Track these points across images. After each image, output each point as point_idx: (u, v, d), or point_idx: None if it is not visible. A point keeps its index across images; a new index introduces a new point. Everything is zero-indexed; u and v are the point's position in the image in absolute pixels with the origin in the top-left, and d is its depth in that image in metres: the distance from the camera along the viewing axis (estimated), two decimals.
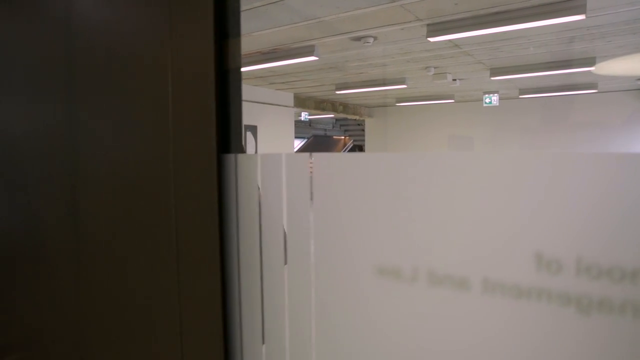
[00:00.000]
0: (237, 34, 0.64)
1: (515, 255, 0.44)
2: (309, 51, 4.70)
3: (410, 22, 3.85)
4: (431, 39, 4.03)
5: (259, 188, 0.59)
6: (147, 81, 0.70)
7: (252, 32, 4.24)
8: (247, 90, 7.59)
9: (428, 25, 3.90)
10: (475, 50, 4.99)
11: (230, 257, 0.64)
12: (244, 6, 3.50)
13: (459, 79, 6.78)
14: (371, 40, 4.43)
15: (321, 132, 19.05)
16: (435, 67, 5.92)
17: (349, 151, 16.12)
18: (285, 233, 0.58)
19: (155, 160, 0.70)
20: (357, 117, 11.23)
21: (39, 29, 0.89)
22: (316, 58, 4.72)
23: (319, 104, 9.33)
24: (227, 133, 0.63)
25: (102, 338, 0.84)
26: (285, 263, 0.58)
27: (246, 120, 7.54)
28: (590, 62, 5.51)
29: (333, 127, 19.33)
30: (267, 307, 0.62)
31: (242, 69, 2.97)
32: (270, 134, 7.95)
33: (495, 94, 8.24)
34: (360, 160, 0.53)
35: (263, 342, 0.62)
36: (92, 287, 0.84)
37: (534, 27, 3.71)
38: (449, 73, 6.28)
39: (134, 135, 0.74)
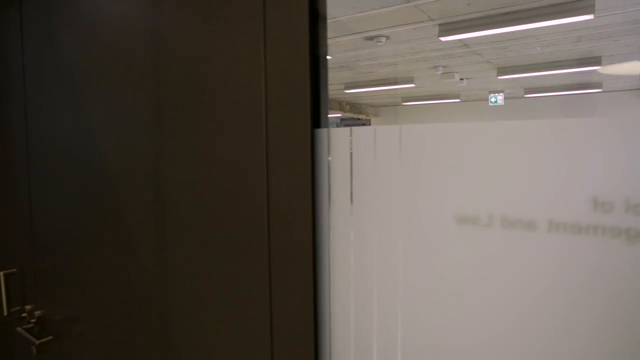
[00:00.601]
0: (325, 19, 0.75)
1: (575, 200, 0.56)
2: None
3: (423, 22, 3.97)
4: (443, 39, 4.15)
5: (351, 156, 0.71)
6: (244, 63, 0.82)
7: None
8: None
9: (440, 25, 4.02)
10: (483, 49, 5.11)
11: (322, 221, 0.76)
12: None
13: (466, 78, 6.90)
14: (384, 39, 4.55)
15: None
16: (443, 67, 6.04)
17: None
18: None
19: (250, 136, 0.82)
20: (363, 117, 11.35)
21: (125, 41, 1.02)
22: (329, 57, 4.84)
23: None
24: (318, 110, 0.75)
25: (184, 314, 0.96)
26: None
27: None
28: (597, 61, 5.62)
29: (337, 126, 19.48)
30: (355, 265, 0.74)
31: None
32: None
33: (501, 93, 8.35)
34: (442, 130, 0.65)
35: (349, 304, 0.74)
36: (175, 266, 0.97)
37: (542, 26, 3.83)
38: (457, 72, 6.40)
39: (229, 112, 0.86)
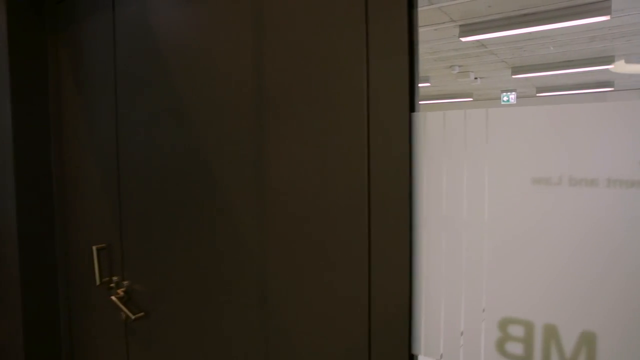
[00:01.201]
0: (417, 9, 0.93)
1: (627, 162, 0.74)
2: None
3: (444, 23, 4.15)
4: (463, 39, 4.33)
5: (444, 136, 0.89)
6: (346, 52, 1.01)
7: None
8: None
9: (461, 26, 4.20)
10: (500, 49, 5.27)
11: (418, 189, 0.94)
12: None
13: (480, 78, 7.06)
14: None
15: None
16: (460, 66, 6.21)
17: None
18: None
19: (353, 119, 1.00)
20: None
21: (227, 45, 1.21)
22: None
23: None
24: (413, 96, 0.93)
25: (282, 275, 1.15)
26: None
27: None
28: (609, 60, 5.77)
29: None
30: (446, 223, 0.92)
31: None
32: None
33: (513, 92, 8.49)
34: (521, 112, 0.83)
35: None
36: (275, 241, 1.16)
37: (559, 27, 3.99)
38: (472, 72, 6.56)
39: (333, 100, 1.04)
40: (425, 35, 4.54)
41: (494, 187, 0.86)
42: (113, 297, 1.62)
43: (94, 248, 1.68)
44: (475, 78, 6.91)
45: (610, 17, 3.72)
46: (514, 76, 6.42)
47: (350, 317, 1.03)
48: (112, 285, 1.70)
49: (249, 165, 1.20)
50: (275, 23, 1.14)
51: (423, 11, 3.82)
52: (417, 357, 0.98)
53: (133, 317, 1.52)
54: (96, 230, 1.76)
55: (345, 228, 1.03)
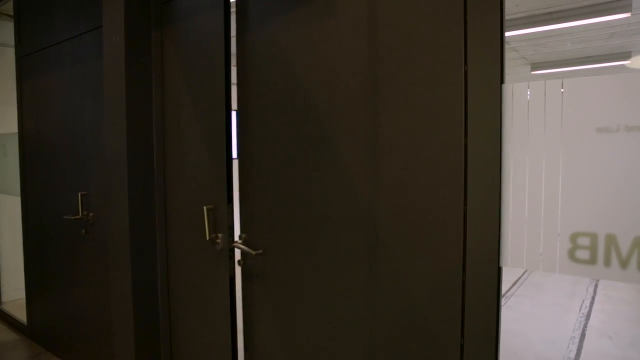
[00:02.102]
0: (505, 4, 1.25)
1: None
2: None
3: None
4: None
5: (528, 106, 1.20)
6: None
7: None
8: None
9: None
10: (522, 46, 5.56)
11: (507, 145, 1.25)
12: None
13: None
14: None
15: None
16: None
17: None
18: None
19: (451, 89, 1.32)
20: None
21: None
22: None
23: None
24: (502, 69, 1.24)
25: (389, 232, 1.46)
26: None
27: None
28: (626, 56, 6.02)
29: None
30: (530, 171, 1.23)
31: None
32: None
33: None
34: (591, 80, 1.14)
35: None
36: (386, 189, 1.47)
37: (581, 24, 4.27)
38: None
39: (435, 73, 1.36)
40: None
41: (567, 133, 1.17)
42: (235, 242, 1.94)
43: (205, 208, 2.01)
44: None
45: (631, 14, 3.99)
46: (533, 72, 6.69)
47: (449, 238, 1.35)
48: (217, 241, 2.03)
49: (365, 128, 1.53)
50: (388, 23, 1.46)
51: None
52: (502, 268, 1.29)
53: (254, 252, 1.84)
54: (204, 194, 2.09)
55: (446, 167, 1.35)
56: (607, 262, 1.13)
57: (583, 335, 3.61)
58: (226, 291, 2.01)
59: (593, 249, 1.15)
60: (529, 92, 1.22)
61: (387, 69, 1.46)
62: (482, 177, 1.28)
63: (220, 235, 2.03)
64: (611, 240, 1.13)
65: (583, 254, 1.16)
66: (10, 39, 4.02)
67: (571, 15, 4.08)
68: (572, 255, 1.18)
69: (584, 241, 1.16)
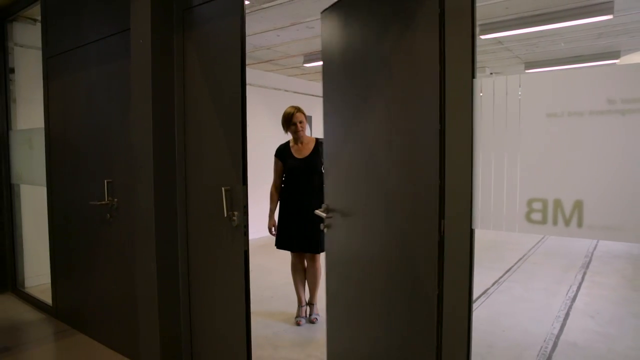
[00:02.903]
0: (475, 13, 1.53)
1: (599, 100, 1.33)
2: None
3: None
4: (482, 37, 4.89)
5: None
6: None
7: None
8: (303, 85, 8.53)
9: (480, 25, 4.77)
10: (514, 45, 5.83)
11: (478, 129, 1.53)
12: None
13: (495, 73, 7.61)
14: None
15: None
16: (478, 62, 6.76)
17: None
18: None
19: (431, 84, 1.60)
20: None
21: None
22: None
23: None
24: (474, 66, 1.52)
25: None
26: None
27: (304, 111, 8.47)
28: (615, 55, 6.28)
29: None
30: (497, 149, 1.51)
31: (311, 64, 4.23)
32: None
33: None
34: (541, 75, 1.42)
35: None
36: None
37: (568, 25, 4.54)
38: (488, 67, 7.11)
39: (420, 72, 1.64)
40: None
41: (524, 118, 1.45)
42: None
43: (223, 189, 2.30)
44: (491, 73, 7.46)
45: (613, 16, 4.26)
46: (526, 70, 6.97)
47: (429, 199, 1.63)
48: (234, 218, 2.32)
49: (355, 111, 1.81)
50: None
51: None
52: (474, 230, 1.57)
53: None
54: (222, 177, 2.38)
55: (427, 145, 1.64)
56: (555, 222, 1.41)
57: (567, 315, 3.88)
58: (241, 262, 2.30)
59: (544, 211, 1.43)
60: (494, 85, 1.50)
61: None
62: (457, 155, 1.57)
63: (236, 213, 2.31)
64: (558, 203, 1.41)
65: (537, 216, 1.45)
66: (32, 41, 4.33)
67: (558, 17, 4.35)
68: (528, 217, 1.46)
69: (537, 205, 1.45)
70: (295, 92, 8.34)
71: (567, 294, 4.45)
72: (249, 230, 2.32)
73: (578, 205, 1.37)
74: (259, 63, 6.94)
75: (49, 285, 3.93)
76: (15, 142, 4.33)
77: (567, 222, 1.39)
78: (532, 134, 1.44)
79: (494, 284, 4.83)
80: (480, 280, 4.88)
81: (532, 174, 1.45)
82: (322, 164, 3.54)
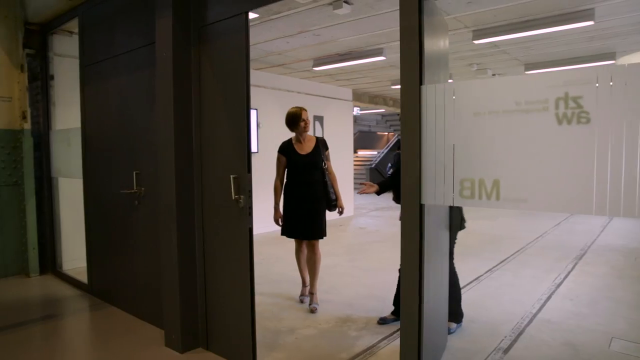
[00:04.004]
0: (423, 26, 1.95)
1: (509, 102, 1.74)
2: (377, 53, 6.02)
3: (459, 29, 5.10)
4: (476, 42, 5.26)
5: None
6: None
7: (337, 39, 5.60)
8: (315, 87, 8.98)
9: (473, 31, 5.14)
10: (511, 49, 6.16)
11: (426, 128, 1.95)
12: (340, 19, 4.83)
13: (498, 74, 7.93)
14: None
15: (366, 129, 20.35)
16: (477, 64, 7.11)
17: (393, 145, 17.32)
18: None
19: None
20: None
21: None
22: (384, 58, 6.04)
23: (373, 99, 10.65)
24: (421, 73, 1.94)
25: None
26: None
27: (315, 112, 8.94)
28: (611, 56, 6.54)
29: (377, 123, 20.57)
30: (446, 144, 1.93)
31: (320, 68, 4.79)
32: (333, 123, 9.32)
33: None
34: (470, 83, 1.83)
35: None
36: None
37: (555, 30, 4.87)
38: (489, 69, 7.44)
39: None
40: None
41: (457, 116, 1.87)
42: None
43: (231, 177, 2.76)
44: (494, 74, 7.78)
45: (595, 22, 4.58)
46: (527, 72, 7.27)
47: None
48: (240, 200, 2.78)
49: None
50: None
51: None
52: (424, 205, 1.99)
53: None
54: (231, 167, 2.84)
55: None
56: (480, 196, 1.83)
57: (549, 298, 4.22)
58: (246, 237, 2.76)
59: (472, 188, 1.85)
60: (435, 91, 1.93)
61: None
62: (411, 145, 1.99)
63: (242, 196, 2.77)
64: (482, 182, 1.83)
65: (467, 192, 1.87)
66: (68, 50, 4.89)
67: (543, 23, 4.68)
68: (461, 193, 1.88)
69: (467, 184, 1.87)
70: (307, 94, 8.81)
71: (553, 281, 4.79)
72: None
73: (496, 183, 1.79)
74: (271, 67, 7.43)
75: (83, 269, 4.48)
76: (55, 140, 4.90)
77: (488, 196, 1.81)
78: (462, 129, 1.86)
79: (486, 271, 5.19)
80: (475, 268, 5.25)
81: (463, 160, 1.87)
82: (322, 161, 3.92)
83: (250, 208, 2.76)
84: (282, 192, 4.02)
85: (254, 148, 7.87)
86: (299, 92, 8.67)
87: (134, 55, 3.54)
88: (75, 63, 4.35)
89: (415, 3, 1.93)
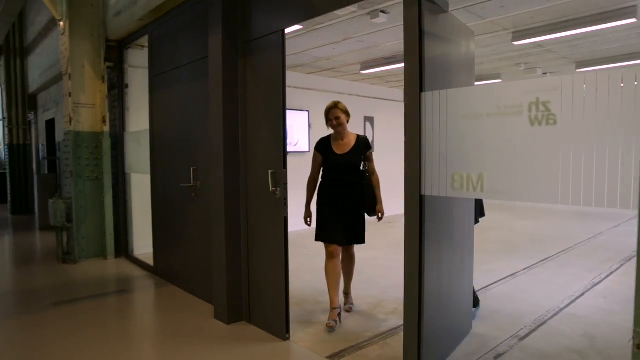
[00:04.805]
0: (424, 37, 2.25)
1: (490, 107, 2.01)
2: None
3: (498, 31, 5.22)
4: (515, 43, 5.35)
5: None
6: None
7: (380, 44, 5.90)
8: (365, 88, 9.29)
9: (513, 32, 5.24)
10: (557, 48, 6.13)
11: (424, 130, 2.25)
12: (379, 27, 5.13)
13: (549, 72, 7.80)
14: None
15: None
16: (525, 64, 7.08)
17: None
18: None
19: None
20: None
21: None
22: None
23: None
24: (422, 80, 2.24)
25: None
26: None
27: (366, 113, 9.25)
28: None
29: None
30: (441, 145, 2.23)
31: (367, 71, 5.08)
32: (384, 124, 9.57)
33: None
34: (459, 91, 2.12)
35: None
36: None
37: (599, 29, 4.86)
38: (539, 67, 7.37)
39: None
40: (485, 41, 5.60)
41: (449, 118, 2.16)
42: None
43: (269, 171, 3.19)
44: (544, 73, 7.67)
45: (638, 20, 4.53)
46: (577, 70, 7.12)
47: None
48: (277, 192, 3.20)
49: None
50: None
51: (479, 24, 4.93)
52: (424, 196, 2.29)
53: None
54: (269, 163, 3.28)
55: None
56: (467, 188, 2.12)
57: (582, 295, 4.27)
58: (282, 225, 3.19)
59: (462, 181, 2.14)
60: (432, 98, 2.22)
61: None
62: (412, 144, 2.30)
63: (278, 189, 3.20)
64: (469, 176, 2.11)
65: (457, 185, 2.16)
66: (141, 62, 5.60)
67: (583, 23, 4.68)
68: (452, 185, 2.17)
69: (457, 177, 2.15)
70: (357, 96, 9.13)
71: (592, 280, 4.78)
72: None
73: (481, 177, 2.06)
74: (321, 71, 7.85)
75: (150, 255, 5.15)
76: (128, 141, 5.63)
77: (474, 188, 2.09)
78: (453, 130, 2.15)
79: (525, 268, 5.26)
80: (513, 265, 5.34)
81: (454, 157, 2.16)
82: (361, 161, 3.64)
83: (286, 199, 3.17)
84: (317, 191, 3.80)
85: (305, 147, 8.35)
86: (349, 94, 9.01)
87: (192, 67, 4.09)
88: (146, 73, 5.01)
89: (416, 19, 2.23)
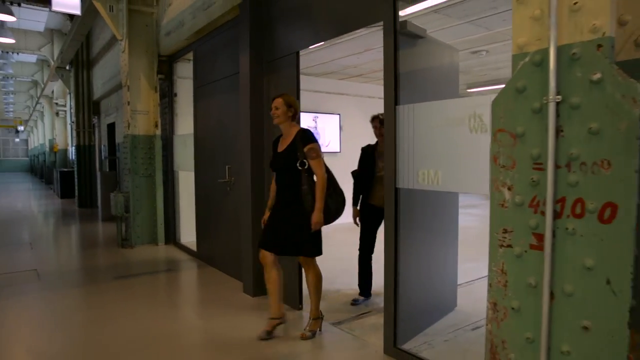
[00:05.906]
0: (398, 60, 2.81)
1: (462, 115, 2.54)
2: None
3: (507, 40, 5.60)
4: None
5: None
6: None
7: None
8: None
9: None
10: None
11: (401, 141, 2.81)
12: None
13: None
14: (484, 52, 6.24)
15: None
16: None
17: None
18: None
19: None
20: None
21: None
22: None
23: None
24: (397, 94, 2.79)
25: None
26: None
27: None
28: None
29: None
30: (417, 152, 2.78)
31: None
32: None
33: None
34: (428, 105, 2.66)
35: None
36: None
37: None
38: None
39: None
40: (502, 48, 5.98)
41: (418, 127, 2.71)
42: None
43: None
44: None
45: None
46: None
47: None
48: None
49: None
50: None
51: (488, 35, 5.33)
52: (399, 189, 2.85)
53: None
54: None
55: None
56: (429, 182, 2.66)
57: None
58: None
59: (424, 176, 2.69)
60: (406, 110, 2.78)
61: None
62: (389, 148, 2.87)
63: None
64: (429, 172, 2.65)
65: (421, 179, 2.70)
66: (187, 74, 6.43)
67: None
68: (418, 180, 2.72)
69: (422, 174, 2.70)
70: None
71: None
72: None
73: (437, 173, 2.61)
74: (351, 77, 8.43)
75: (194, 242, 5.96)
76: (176, 142, 6.48)
77: (433, 182, 2.63)
78: (421, 137, 2.70)
79: None
80: None
81: (420, 157, 2.71)
82: (298, 159, 3.07)
83: None
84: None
85: (336, 148, 8.97)
86: (380, 98, 9.47)
87: (227, 80, 4.83)
88: (192, 83, 5.82)
89: (392, 45, 2.80)
